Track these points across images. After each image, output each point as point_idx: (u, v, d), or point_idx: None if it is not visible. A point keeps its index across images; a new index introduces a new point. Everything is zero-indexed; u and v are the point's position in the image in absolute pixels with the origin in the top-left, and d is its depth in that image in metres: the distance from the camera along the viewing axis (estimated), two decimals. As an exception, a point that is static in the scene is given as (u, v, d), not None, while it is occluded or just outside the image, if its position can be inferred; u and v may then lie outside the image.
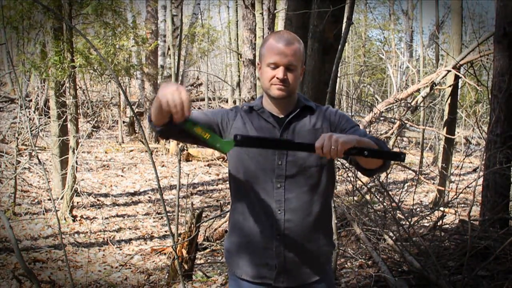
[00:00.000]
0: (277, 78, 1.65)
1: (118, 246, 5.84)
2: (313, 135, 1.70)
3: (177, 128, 1.53)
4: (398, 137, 10.56)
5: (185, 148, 11.08)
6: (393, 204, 4.11)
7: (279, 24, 11.29)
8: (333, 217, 3.27)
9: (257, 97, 9.04)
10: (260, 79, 1.73)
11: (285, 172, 1.69)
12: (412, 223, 4.10)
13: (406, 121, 9.12)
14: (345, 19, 3.53)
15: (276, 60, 1.65)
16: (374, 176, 4.60)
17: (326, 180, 1.73)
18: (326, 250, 1.78)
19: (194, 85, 22.53)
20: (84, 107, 14.11)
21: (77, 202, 6.96)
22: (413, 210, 5.86)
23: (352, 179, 4.56)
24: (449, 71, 8.08)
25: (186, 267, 4.36)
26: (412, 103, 8.95)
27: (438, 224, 4.45)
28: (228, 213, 1.90)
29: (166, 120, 1.54)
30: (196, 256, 4.72)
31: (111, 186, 8.60)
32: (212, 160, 10.57)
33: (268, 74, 1.67)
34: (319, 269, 1.76)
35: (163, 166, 10.23)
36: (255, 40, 9.07)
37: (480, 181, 4.60)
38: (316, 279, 1.76)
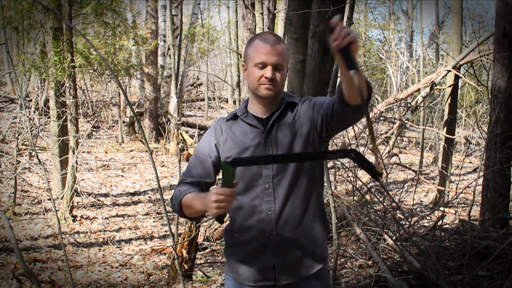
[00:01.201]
0: (266, 77, 1.66)
1: (118, 246, 5.84)
2: (292, 127, 1.72)
3: None
4: (398, 137, 10.56)
5: (185, 148, 11.08)
6: (393, 204, 4.11)
7: (279, 24, 11.29)
8: (333, 217, 3.27)
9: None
10: (247, 80, 1.75)
11: (272, 171, 1.71)
12: (412, 223, 4.10)
13: (406, 121, 9.12)
14: (345, 19, 3.53)
15: (264, 59, 1.66)
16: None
17: (312, 169, 1.74)
18: (321, 237, 1.79)
19: (194, 85, 22.53)
20: (84, 107, 14.10)
21: (77, 202, 6.95)
22: (413, 210, 5.86)
23: (352, 179, 4.56)
24: (449, 71, 8.07)
25: (186, 267, 4.36)
26: (412, 103, 8.94)
27: (438, 224, 4.45)
28: (227, 216, 1.92)
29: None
30: (196, 256, 4.72)
31: (111, 186, 8.60)
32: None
33: (256, 74, 1.68)
34: (318, 258, 1.78)
35: (163, 166, 10.23)
36: (255, 40, 9.06)
37: (480, 181, 4.60)
38: (317, 270, 1.77)
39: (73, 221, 6.50)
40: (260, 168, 1.71)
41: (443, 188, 7.68)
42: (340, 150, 1.50)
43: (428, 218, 5.01)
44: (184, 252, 4.38)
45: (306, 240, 1.74)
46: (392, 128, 9.02)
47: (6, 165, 7.22)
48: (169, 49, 12.14)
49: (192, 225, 4.44)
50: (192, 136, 13.38)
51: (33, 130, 7.35)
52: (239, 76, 16.10)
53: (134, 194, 8.27)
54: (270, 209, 1.70)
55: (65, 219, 6.42)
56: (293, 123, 1.73)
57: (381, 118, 9.45)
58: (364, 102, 1.50)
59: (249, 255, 1.75)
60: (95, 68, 7.29)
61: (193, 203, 1.63)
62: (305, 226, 1.73)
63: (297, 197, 1.72)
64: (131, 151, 11.47)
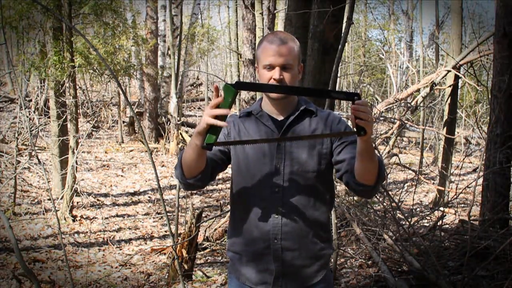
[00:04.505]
0: (274, 79, 1.65)
1: (118, 246, 5.84)
2: (312, 140, 1.71)
3: (209, 168, 1.68)
4: (398, 137, 10.56)
5: (185, 148, 11.07)
6: (393, 204, 4.11)
7: (279, 24, 11.28)
8: (333, 217, 3.27)
9: (257, 97, 9.03)
10: (259, 81, 1.74)
11: (283, 176, 1.69)
12: (412, 223, 4.10)
13: (406, 121, 9.12)
14: (345, 19, 3.53)
15: (271, 61, 1.65)
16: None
17: (324, 185, 1.74)
18: (324, 253, 1.77)
19: (194, 85, 22.54)
20: (84, 107, 14.11)
21: (77, 202, 6.95)
22: (413, 210, 5.86)
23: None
24: (449, 71, 8.07)
25: (186, 267, 4.36)
26: (412, 103, 8.94)
27: (438, 224, 4.45)
28: (228, 216, 1.92)
29: (204, 161, 1.63)
30: (196, 256, 4.72)
31: (111, 186, 8.60)
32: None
33: (265, 76, 1.67)
34: (317, 272, 1.76)
35: (163, 166, 10.23)
36: (255, 40, 9.07)
37: (480, 181, 4.59)
38: (315, 282, 1.76)
39: (73, 221, 6.50)
40: (271, 172, 1.70)
41: (443, 188, 7.68)
42: (344, 92, 1.48)
43: (428, 218, 5.01)
44: (184, 252, 4.38)
45: (309, 252, 1.73)
46: (392, 128, 9.02)
47: (6, 165, 7.21)
48: (169, 49, 12.13)
49: (192, 225, 4.44)
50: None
51: (33, 130, 7.35)
52: (239, 76, 16.10)
53: (134, 194, 8.27)
54: (277, 213, 1.69)
55: (65, 219, 6.42)
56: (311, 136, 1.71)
57: (381, 118, 9.45)
58: (373, 185, 1.59)
59: (251, 256, 1.74)
60: (94, 68, 7.30)
61: (188, 144, 1.61)
62: (310, 239, 1.72)
63: (307, 209, 1.70)
64: (131, 151, 11.47)
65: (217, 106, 1.49)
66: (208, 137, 1.51)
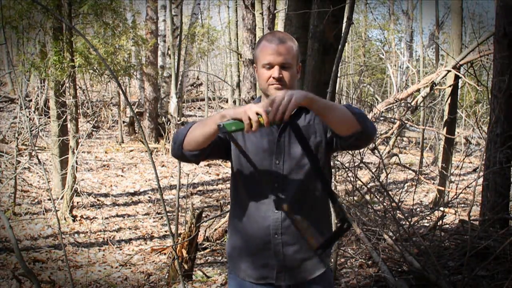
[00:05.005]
0: (273, 77, 1.67)
1: (118, 246, 5.84)
2: (306, 131, 1.72)
3: (208, 150, 1.68)
4: (398, 137, 10.56)
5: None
6: (393, 204, 4.11)
7: (279, 24, 11.27)
8: (333, 217, 3.27)
9: (256, 97, 9.04)
10: (258, 80, 1.75)
11: (282, 171, 1.71)
12: (412, 223, 4.10)
13: (406, 121, 9.12)
14: (345, 19, 3.53)
15: (270, 60, 1.67)
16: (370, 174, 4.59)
17: (323, 177, 1.74)
18: None
19: (194, 85, 22.54)
20: (84, 107, 14.11)
21: (77, 202, 6.95)
22: (413, 210, 5.86)
23: (352, 179, 4.56)
24: (449, 71, 8.07)
25: (186, 267, 4.36)
26: (412, 103, 8.94)
27: (438, 224, 4.45)
28: (228, 215, 1.91)
29: (209, 142, 1.64)
30: (196, 256, 4.72)
31: (111, 186, 8.60)
32: (212, 160, 10.56)
33: (265, 75, 1.69)
34: (318, 265, 1.77)
35: (163, 166, 10.23)
36: (255, 40, 9.06)
37: (480, 181, 4.60)
38: (317, 275, 1.77)
39: (73, 221, 6.50)
40: (271, 164, 1.71)
41: (443, 188, 7.68)
42: (343, 215, 1.65)
43: (428, 218, 5.01)
44: (184, 252, 4.38)
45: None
46: (392, 128, 9.02)
47: (6, 165, 7.22)
48: (169, 49, 12.13)
49: (192, 225, 4.44)
50: (192, 136, 13.32)
51: (33, 130, 7.36)
52: (239, 76, 16.10)
53: (134, 194, 8.27)
54: (277, 208, 1.70)
55: (65, 219, 6.42)
56: (307, 127, 1.72)
57: (381, 118, 9.45)
58: (360, 130, 1.58)
59: (252, 251, 1.75)
60: (94, 68, 7.29)
61: (208, 118, 1.59)
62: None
63: (305, 202, 1.72)
64: (131, 151, 11.46)
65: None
66: (231, 123, 1.49)
